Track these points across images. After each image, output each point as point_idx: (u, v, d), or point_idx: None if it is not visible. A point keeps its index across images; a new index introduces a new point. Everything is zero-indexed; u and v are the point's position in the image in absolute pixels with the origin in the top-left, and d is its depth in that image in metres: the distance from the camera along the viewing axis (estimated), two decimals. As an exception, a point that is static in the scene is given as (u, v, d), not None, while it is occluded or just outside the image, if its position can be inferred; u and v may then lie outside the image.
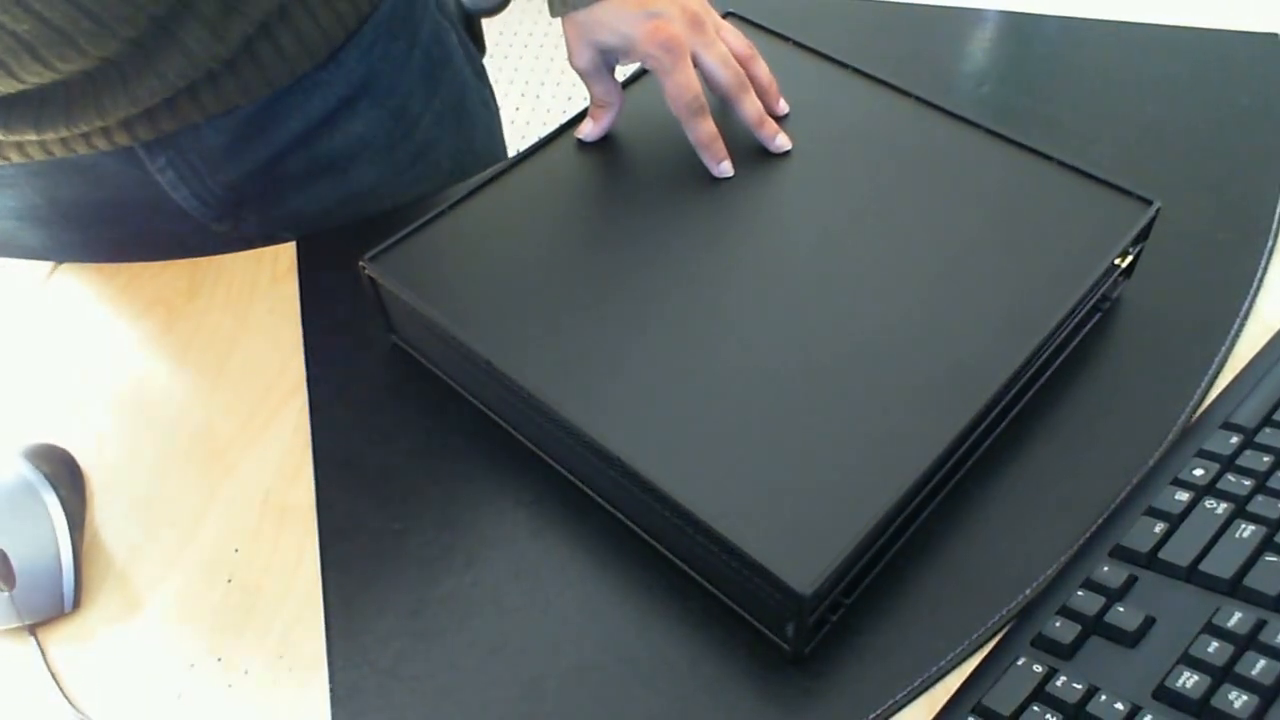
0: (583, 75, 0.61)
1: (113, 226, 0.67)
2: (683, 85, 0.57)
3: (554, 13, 0.60)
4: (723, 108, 0.60)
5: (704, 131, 0.58)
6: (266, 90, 0.63)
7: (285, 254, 0.64)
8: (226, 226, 0.69)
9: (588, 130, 0.60)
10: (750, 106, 0.59)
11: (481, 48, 0.94)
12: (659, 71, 0.57)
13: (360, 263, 0.55)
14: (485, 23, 0.95)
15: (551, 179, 0.59)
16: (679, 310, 0.51)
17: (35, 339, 0.61)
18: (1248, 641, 0.39)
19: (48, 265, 0.65)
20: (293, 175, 0.68)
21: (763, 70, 0.61)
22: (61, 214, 0.67)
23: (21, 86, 0.54)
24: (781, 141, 0.59)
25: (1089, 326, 0.55)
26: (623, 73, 0.63)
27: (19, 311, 0.63)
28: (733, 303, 0.51)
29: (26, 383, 0.59)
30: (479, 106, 0.80)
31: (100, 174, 0.64)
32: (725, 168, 0.58)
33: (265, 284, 0.63)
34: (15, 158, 0.61)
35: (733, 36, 0.61)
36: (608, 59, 0.60)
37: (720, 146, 0.58)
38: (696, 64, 0.58)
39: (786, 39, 0.66)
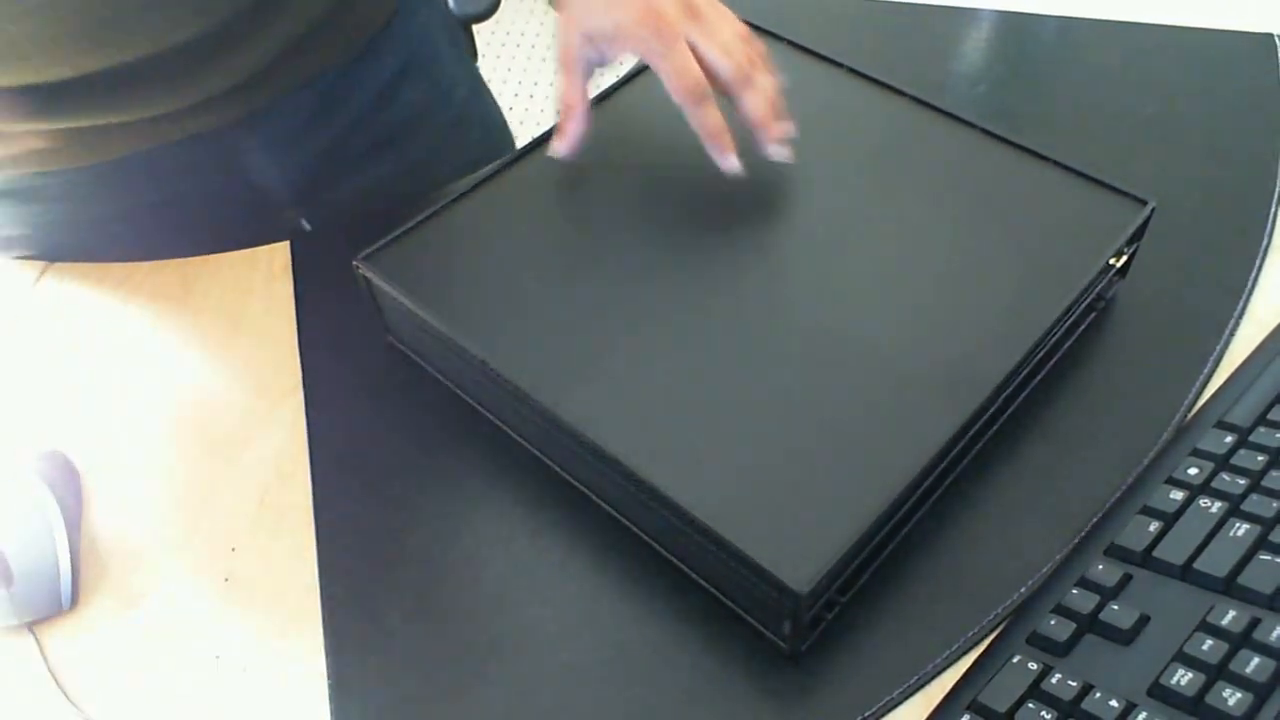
0: (561, 68, 0.58)
1: (177, 226, 0.68)
2: (681, 70, 0.53)
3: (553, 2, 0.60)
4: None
5: (711, 120, 0.54)
6: (344, 55, 0.67)
7: (280, 253, 0.64)
8: (291, 213, 0.72)
9: (556, 147, 0.58)
10: (754, 101, 0.54)
11: (474, 53, 0.95)
12: (651, 57, 0.54)
13: (355, 262, 0.55)
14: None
15: (546, 178, 0.59)
16: (674, 309, 0.51)
17: (29, 339, 0.61)
18: (1242, 639, 0.39)
19: (40, 265, 0.65)
20: (356, 153, 0.72)
21: (769, 79, 0.56)
22: (124, 220, 0.67)
23: (122, 58, 0.56)
24: (781, 150, 0.55)
25: (1084, 326, 0.55)
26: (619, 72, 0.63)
27: (12, 311, 0.63)
28: (728, 301, 0.52)
29: (21, 383, 0.59)
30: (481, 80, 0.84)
31: (177, 165, 0.65)
32: (732, 162, 0.55)
33: (260, 284, 0.63)
34: (87, 158, 0.62)
35: (737, 32, 0.57)
36: (592, 55, 0.57)
37: (728, 138, 0.54)
38: (695, 54, 0.54)
39: (781, 39, 0.65)
